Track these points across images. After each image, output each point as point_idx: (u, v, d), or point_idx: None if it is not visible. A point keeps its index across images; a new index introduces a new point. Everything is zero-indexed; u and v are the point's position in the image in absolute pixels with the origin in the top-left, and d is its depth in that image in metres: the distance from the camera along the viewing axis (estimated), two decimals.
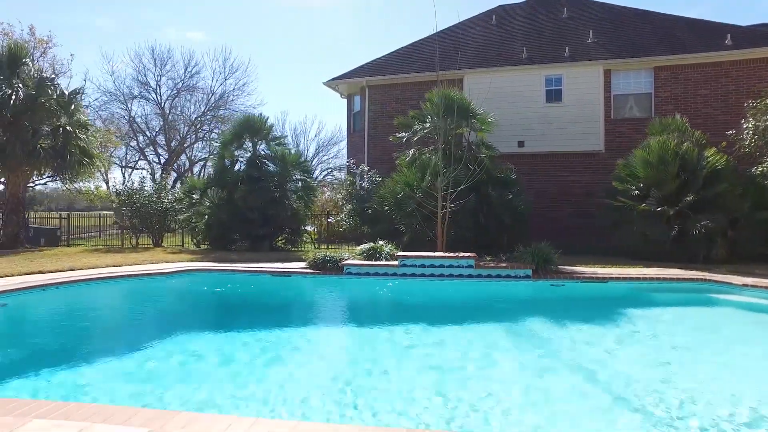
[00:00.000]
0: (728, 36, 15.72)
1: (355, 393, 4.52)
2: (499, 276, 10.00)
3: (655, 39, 17.01)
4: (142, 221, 16.41)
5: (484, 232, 12.75)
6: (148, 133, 34.53)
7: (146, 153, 35.61)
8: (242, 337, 6.59)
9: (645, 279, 9.78)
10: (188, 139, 35.44)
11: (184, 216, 15.68)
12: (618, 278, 9.85)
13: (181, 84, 35.33)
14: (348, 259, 10.80)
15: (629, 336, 6.85)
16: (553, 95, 17.01)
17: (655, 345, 6.52)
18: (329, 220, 15.40)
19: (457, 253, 10.40)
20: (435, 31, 14.97)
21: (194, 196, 15.85)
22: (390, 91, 18.79)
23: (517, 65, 17.43)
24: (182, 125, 34.96)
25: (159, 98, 34.88)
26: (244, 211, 14.24)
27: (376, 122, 18.91)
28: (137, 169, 36.02)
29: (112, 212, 18.69)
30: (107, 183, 31.42)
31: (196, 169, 37.31)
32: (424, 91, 18.35)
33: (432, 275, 10.16)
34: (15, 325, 7.48)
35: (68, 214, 21.17)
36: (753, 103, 13.05)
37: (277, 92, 63.57)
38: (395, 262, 10.39)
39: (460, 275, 10.07)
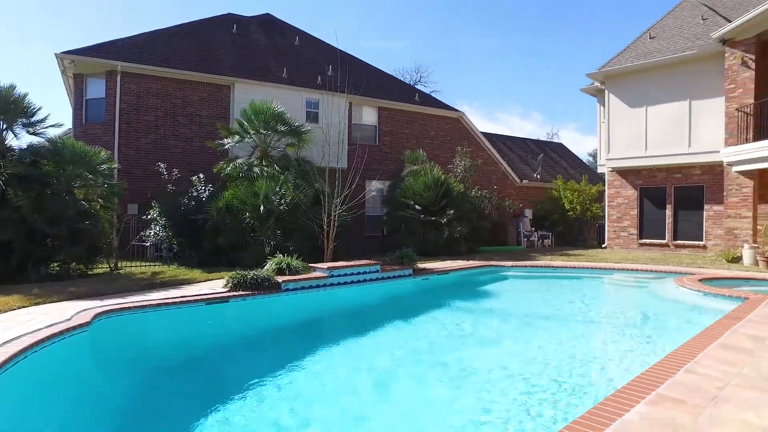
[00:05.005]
0: (416, 95, 22.44)
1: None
2: (394, 276, 12.30)
3: (375, 86, 22.03)
4: None
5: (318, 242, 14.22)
6: None
7: None
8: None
9: (463, 268, 14.28)
10: None
11: None
12: (451, 270, 13.94)
13: None
14: (277, 276, 10.44)
15: (499, 295, 12.31)
16: (312, 116, 19.41)
17: (509, 296, 12.08)
18: (144, 233, 12.37)
19: (368, 261, 11.96)
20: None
21: None
22: (150, 83, 16.37)
23: (282, 83, 18.81)
24: None
25: None
26: (39, 226, 10.10)
27: (130, 117, 16.01)
28: None
29: None
30: None
31: None
32: (189, 91, 17.31)
33: (352, 282, 11.41)
34: None
35: None
36: (460, 148, 19.83)
37: None
38: (324, 274, 10.96)
39: (371, 279, 11.78)
